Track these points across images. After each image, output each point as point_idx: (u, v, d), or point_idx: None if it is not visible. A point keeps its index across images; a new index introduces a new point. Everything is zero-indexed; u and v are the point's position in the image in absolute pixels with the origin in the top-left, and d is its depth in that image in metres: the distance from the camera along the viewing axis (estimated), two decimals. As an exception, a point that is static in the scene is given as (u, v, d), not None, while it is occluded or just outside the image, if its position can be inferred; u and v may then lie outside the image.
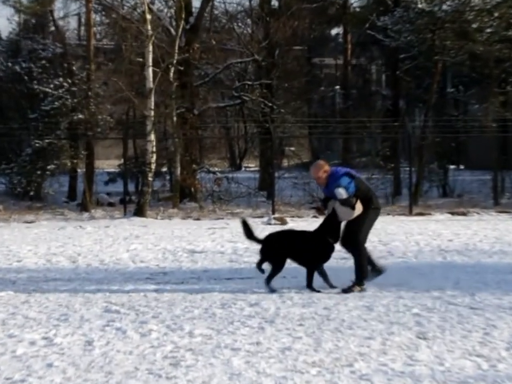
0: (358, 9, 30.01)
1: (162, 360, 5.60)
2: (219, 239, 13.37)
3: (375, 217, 8.47)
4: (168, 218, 17.93)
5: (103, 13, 24.44)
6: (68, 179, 23.17)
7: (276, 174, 20.34)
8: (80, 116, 21.29)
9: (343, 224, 8.35)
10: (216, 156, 28.48)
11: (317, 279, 8.37)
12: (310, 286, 8.29)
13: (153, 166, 18.53)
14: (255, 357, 5.65)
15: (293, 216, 17.53)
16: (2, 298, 8.18)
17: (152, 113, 18.57)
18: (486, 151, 21.91)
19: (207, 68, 24.87)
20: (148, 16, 18.48)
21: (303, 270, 8.45)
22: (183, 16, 20.16)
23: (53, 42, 23.76)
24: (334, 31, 35.60)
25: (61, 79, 21.58)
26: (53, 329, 6.61)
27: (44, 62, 22.47)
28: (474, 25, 21.13)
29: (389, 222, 15.90)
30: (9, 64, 22.55)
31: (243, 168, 33.24)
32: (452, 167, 25.51)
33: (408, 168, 20.47)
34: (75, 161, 21.86)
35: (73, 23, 38.21)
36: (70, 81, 21.54)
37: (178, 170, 20.42)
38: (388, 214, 17.54)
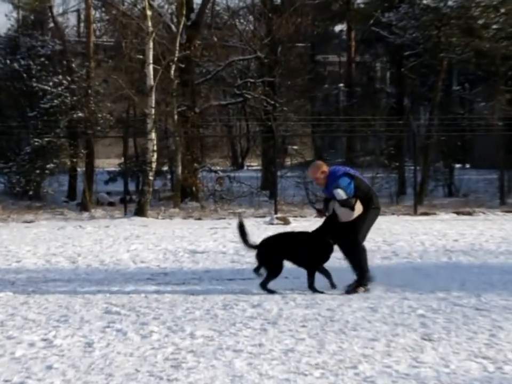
0: (362, 5, 29.91)
1: (163, 362, 5.57)
2: (221, 239, 13.32)
3: (375, 217, 8.42)
4: (169, 218, 17.89)
5: (103, 9, 24.42)
6: (67, 178, 23.12)
7: (279, 173, 20.29)
8: (80, 114, 21.21)
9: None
10: (218, 155, 28.45)
11: (321, 280, 8.30)
12: (311, 287, 8.24)
13: (154, 165, 18.47)
14: (258, 359, 5.62)
15: (295, 216, 17.47)
16: (1, 299, 8.14)
17: (153, 111, 18.51)
18: (492, 150, 21.87)
19: (209, 65, 24.81)
20: (149, 13, 18.41)
21: (305, 271, 8.39)
22: (184, 12, 20.11)
23: (52, 39, 23.64)
24: (337, 28, 35.69)
25: (60, 77, 21.51)
26: (52, 331, 6.58)
27: (42, 59, 22.37)
28: (480, 22, 21.08)
29: (393, 222, 15.93)
30: (8, 61, 22.42)
31: (245, 167, 33.24)
32: (458, 166, 25.46)
33: (413, 167, 20.41)
34: (75, 160, 21.81)
35: (72, 19, 38.45)
36: (69, 78, 21.48)
37: (180, 169, 20.36)
38: (393, 214, 17.57)
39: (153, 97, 18.48)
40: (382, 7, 25.30)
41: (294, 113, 25.44)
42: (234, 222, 14.22)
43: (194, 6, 22.99)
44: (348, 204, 8.08)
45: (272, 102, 23.80)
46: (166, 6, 24.19)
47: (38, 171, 21.24)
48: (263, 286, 8.25)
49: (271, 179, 21.48)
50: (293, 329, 6.54)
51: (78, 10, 27.36)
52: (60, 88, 21.24)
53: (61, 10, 27.39)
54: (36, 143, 20.93)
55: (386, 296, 7.95)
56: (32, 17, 26.38)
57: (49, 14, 24.95)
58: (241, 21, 28.73)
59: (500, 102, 22.22)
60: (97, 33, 25.51)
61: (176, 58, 19.90)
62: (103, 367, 5.47)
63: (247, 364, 5.50)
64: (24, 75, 22.09)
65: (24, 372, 5.38)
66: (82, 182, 20.78)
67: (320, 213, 8.59)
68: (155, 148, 18.50)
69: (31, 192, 21.27)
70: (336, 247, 8.35)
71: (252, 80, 25.26)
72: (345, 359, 5.59)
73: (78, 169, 22.35)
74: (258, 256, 8.36)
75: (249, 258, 10.62)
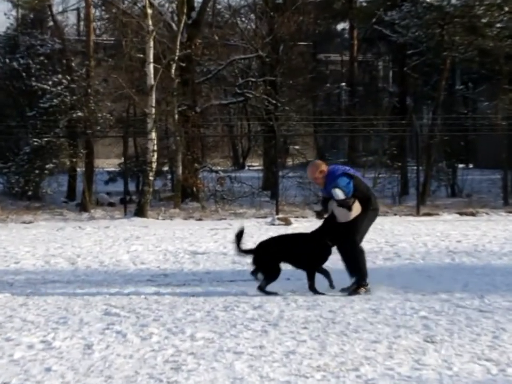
0: (364, 4, 29.85)
1: (163, 364, 5.55)
2: (222, 240, 13.28)
3: (374, 218, 8.39)
4: (169, 218, 17.87)
5: (103, 7, 24.39)
6: (67, 178, 23.10)
7: (280, 173, 20.31)
8: (80, 114, 21.18)
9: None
10: (219, 155, 28.43)
11: (322, 282, 8.25)
12: (312, 288, 8.20)
13: (154, 165, 18.44)
14: (258, 361, 5.60)
15: (297, 217, 17.43)
16: (0, 300, 8.10)
17: (153, 110, 18.48)
18: (496, 150, 21.85)
19: (210, 64, 24.79)
20: (149, 11, 18.38)
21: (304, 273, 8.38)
22: (185, 10, 20.09)
23: (51, 37, 23.65)
24: (339, 26, 35.66)
25: (59, 76, 21.49)
26: (51, 333, 6.55)
27: (42, 58, 22.37)
28: (484, 20, 21.04)
29: (396, 223, 15.93)
30: (7, 60, 22.42)
31: (246, 167, 33.17)
32: (461, 166, 25.39)
33: (415, 167, 20.37)
34: (74, 160, 21.78)
35: (72, 18, 38.36)
36: (69, 77, 21.45)
37: (180, 170, 20.32)
38: (395, 214, 17.54)
39: (154, 96, 18.45)
40: (384, 5, 25.23)
41: (296, 113, 25.44)
42: (235, 224, 14.26)
43: (195, 4, 23.01)
44: (345, 204, 8.04)
45: (274, 102, 23.75)
46: (167, 5, 24.12)
47: (37, 171, 21.21)
48: (261, 289, 8.21)
49: (272, 179, 21.45)
50: (294, 331, 6.50)
51: (77, 9, 27.35)
52: (59, 88, 21.21)
53: (60, 9, 27.43)
54: (35, 143, 20.90)
55: (389, 298, 7.91)
56: (31, 15, 26.39)
57: (49, 13, 24.96)
58: (243, 19, 28.71)
59: (503, 102, 22.20)
60: (97, 32, 25.48)
61: (176, 57, 19.86)
62: (102, 369, 5.44)
63: (248, 366, 5.47)
64: (23, 74, 22.10)
65: (22, 374, 5.35)
66: (82, 182, 20.72)
67: (318, 215, 8.55)
68: (155, 147, 18.47)
69: (30, 193, 21.22)
70: (334, 249, 8.30)
71: (253, 79, 25.24)
72: (346, 361, 5.56)
73: (78, 169, 22.33)
74: (255, 260, 8.32)
75: (250, 260, 10.61)
